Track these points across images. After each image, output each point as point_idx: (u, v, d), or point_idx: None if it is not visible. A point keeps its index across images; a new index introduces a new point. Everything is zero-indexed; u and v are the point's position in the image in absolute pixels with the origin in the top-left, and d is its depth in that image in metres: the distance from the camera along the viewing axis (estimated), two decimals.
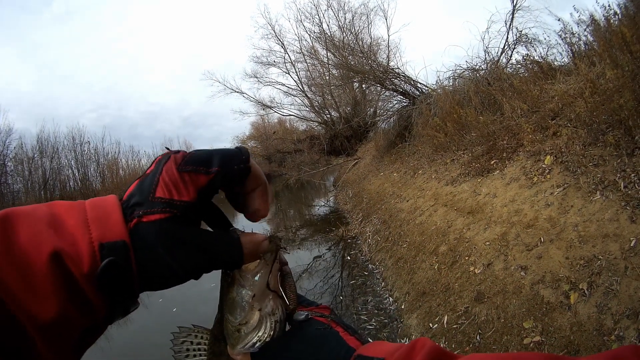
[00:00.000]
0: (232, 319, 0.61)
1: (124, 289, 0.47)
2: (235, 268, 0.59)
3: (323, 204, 16.50)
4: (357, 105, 23.14)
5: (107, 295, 0.46)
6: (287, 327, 0.67)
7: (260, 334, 0.61)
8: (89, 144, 25.91)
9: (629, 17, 5.65)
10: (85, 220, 0.47)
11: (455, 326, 3.96)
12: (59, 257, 0.42)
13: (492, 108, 7.56)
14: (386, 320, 5.02)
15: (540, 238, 4.03)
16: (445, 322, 4.11)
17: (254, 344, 0.61)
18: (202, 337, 0.66)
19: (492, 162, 6.14)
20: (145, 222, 0.48)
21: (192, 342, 0.65)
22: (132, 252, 0.47)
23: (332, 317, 0.68)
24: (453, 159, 7.76)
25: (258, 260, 0.60)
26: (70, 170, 24.74)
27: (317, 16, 22.59)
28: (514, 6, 9.37)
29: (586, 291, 3.19)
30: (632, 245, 3.20)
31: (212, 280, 0.61)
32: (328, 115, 25.90)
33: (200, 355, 0.66)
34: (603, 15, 6.14)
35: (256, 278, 0.61)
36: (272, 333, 0.62)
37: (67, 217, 0.46)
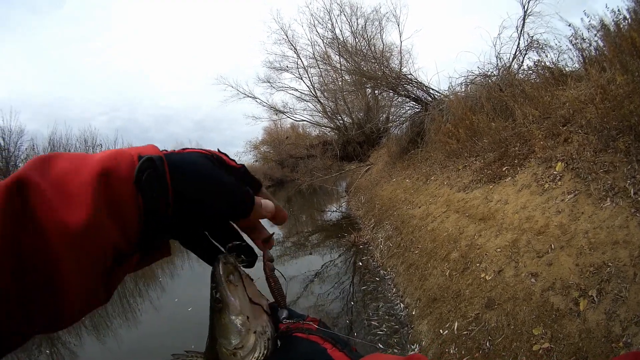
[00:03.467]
0: (226, 343, 0.61)
1: (159, 195, 0.48)
2: (244, 216, 0.61)
3: (335, 209, 16.42)
4: (370, 111, 23.19)
5: (143, 197, 0.47)
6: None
7: (256, 354, 0.61)
8: (101, 146, 25.40)
9: (638, 21, 5.64)
10: (123, 149, 0.51)
11: (465, 332, 3.98)
12: (100, 168, 0.45)
13: (503, 114, 7.56)
14: (397, 326, 5.05)
15: (551, 245, 4.04)
16: (455, 328, 4.14)
17: None
18: None
19: (504, 169, 6.14)
20: (189, 151, 0.57)
21: None
22: (168, 168, 0.50)
23: (321, 330, 0.67)
24: (465, 166, 7.75)
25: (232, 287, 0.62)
26: None
27: (329, 21, 22.74)
28: (525, 12, 9.36)
29: (595, 298, 3.20)
30: None
31: None
32: (341, 121, 25.91)
33: None
34: (613, 20, 6.12)
35: (236, 300, 0.62)
36: (265, 352, 0.63)
37: (106, 152, 0.49)
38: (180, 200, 0.51)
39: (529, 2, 9.32)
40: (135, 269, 0.54)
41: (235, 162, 0.62)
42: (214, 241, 0.66)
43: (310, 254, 9.73)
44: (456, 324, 4.18)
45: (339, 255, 8.94)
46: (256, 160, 33.89)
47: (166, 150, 0.57)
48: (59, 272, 0.39)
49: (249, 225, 0.68)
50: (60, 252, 0.39)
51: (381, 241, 8.17)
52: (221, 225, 0.66)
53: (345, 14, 22.42)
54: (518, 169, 5.82)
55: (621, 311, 2.97)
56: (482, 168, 6.83)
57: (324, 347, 0.62)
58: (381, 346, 4.71)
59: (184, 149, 0.59)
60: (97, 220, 0.42)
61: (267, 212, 0.64)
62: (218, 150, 0.61)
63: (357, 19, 22.16)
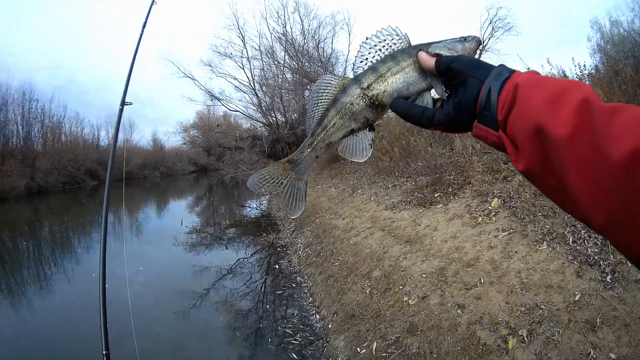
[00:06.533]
0: None
1: None
2: None
3: (256, 206, 16.09)
4: (305, 114, 22.89)
5: None
6: None
7: None
8: (37, 102, 27.22)
9: (600, 78, 5.88)
10: None
11: (384, 354, 3.71)
12: None
13: (443, 141, 7.60)
14: (312, 338, 4.73)
15: (481, 279, 3.92)
16: (374, 348, 3.85)
17: None
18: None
19: (436, 195, 6.09)
20: None
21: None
22: None
23: None
24: (395, 185, 7.70)
25: None
26: (15, 126, 25.96)
27: (283, 16, 22.33)
28: (483, 46, 9.62)
29: (525, 338, 3.07)
30: (576, 299, 3.15)
31: None
32: (274, 118, 25.36)
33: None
34: (576, 74, 6.32)
35: None
36: None
37: None
38: None
39: (488, 40, 9.59)
40: None
41: None
42: None
43: (226, 247, 9.59)
44: (375, 344, 3.88)
45: (254, 254, 8.78)
46: (184, 143, 34.01)
47: None
48: None
49: None
50: None
51: (300, 247, 7.81)
52: None
53: (300, 12, 22.14)
54: (451, 197, 5.78)
55: (553, 354, 2.86)
56: (412, 190, 6.76)
57: None
58: (295, 356, 4.38)
59: None
60: None
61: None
62: None
63: (310, 20, 22.02)
